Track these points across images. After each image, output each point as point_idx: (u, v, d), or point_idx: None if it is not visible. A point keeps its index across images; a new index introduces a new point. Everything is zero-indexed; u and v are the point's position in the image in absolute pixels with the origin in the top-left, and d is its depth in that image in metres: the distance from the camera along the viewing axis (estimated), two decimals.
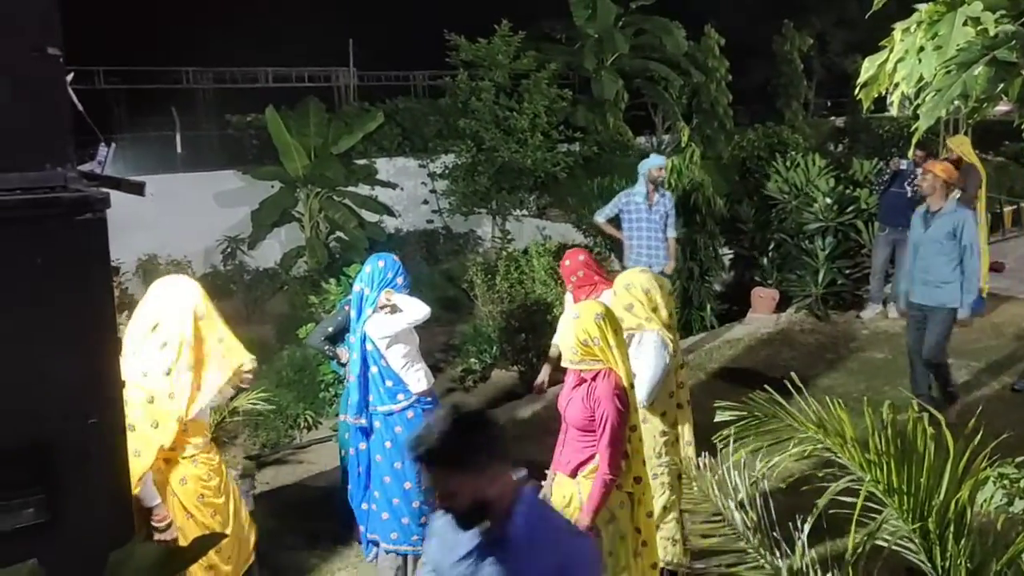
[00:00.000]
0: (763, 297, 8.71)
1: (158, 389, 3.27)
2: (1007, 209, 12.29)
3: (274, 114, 9.73)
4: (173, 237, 9.52)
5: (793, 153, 9.48)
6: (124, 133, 9.89)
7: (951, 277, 5.86)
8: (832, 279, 8.83)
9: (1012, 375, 7.15)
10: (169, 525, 3.35)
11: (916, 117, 2.73)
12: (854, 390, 6.83)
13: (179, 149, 11.23)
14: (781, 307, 8.85)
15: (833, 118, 14.86)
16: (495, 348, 7.71)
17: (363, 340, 4.14)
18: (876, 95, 3.03)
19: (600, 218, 7.46)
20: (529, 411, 6.39)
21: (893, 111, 2.82)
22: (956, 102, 2.23)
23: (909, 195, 8.35)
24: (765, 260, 9.02)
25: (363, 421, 4.22)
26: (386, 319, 4.11)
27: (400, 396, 4.16)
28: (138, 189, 2.03)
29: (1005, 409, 6.56)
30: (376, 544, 4.35)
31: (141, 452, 3.26)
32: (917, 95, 2.47)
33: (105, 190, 1.96)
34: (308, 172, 9.74)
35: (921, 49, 2.71)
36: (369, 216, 10.40)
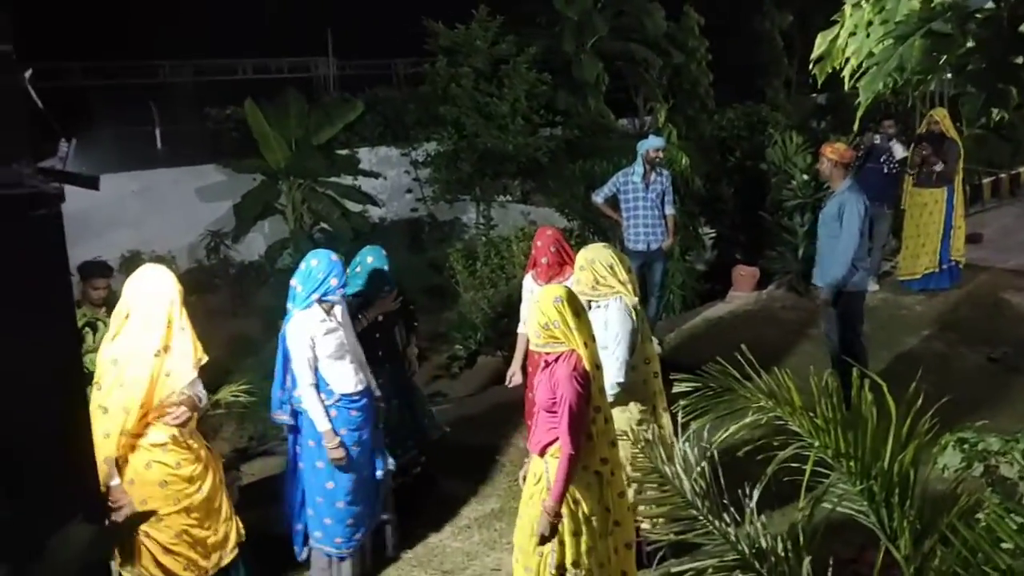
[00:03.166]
0: (744, 275, 8.79)
1: (129, 375, 3.33)
2: (986, 180, 12.37)
3: (253, 106, 9.71)
4: (156, 233, 9.53)
5: (772, 131, 9.53)
6: (103, 129, 9.86)
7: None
8: (811, 255, 8.90)
9: (988, 345, 7.25)
10: (122, 506, 3.39)
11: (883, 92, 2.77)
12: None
13: (159, 144, 11.22)
14: (762, 284, 8.93)
15: (815, 95, 14.84)
16: (479, 334, 7.77)
17: (283, 338, 4.10)
18: (830, 70, 3.07)
19: (598, 199, 7.53)
20: (514, 396, 6.47)
21: (845, 86, 2.86)
22: (893, 75, 2.27)
23: (885, 171, 8.43)
24: (745, 238, 9.09)
25: (285, 417, 4.23)
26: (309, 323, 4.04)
27: (322, 395, 4.07)
28: (92, 183, 2.07)
29: (981, 378, 6.66)
30: (305, 540, 4.37)
31: (111, 434, 3.32)
32: (862, 69, 2.51)
33: (61, 186, 2.00)
34: (289, 164, 9.74)
35: (870, 23, 2.75)
36: (353, 206, 10.41)
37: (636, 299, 4.15)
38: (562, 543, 3.29)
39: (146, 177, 10.21)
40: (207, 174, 10.54)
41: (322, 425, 4.03)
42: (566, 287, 3.47)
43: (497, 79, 10.68)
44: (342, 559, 4.29)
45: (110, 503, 3.35)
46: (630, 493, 3.68)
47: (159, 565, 3.57)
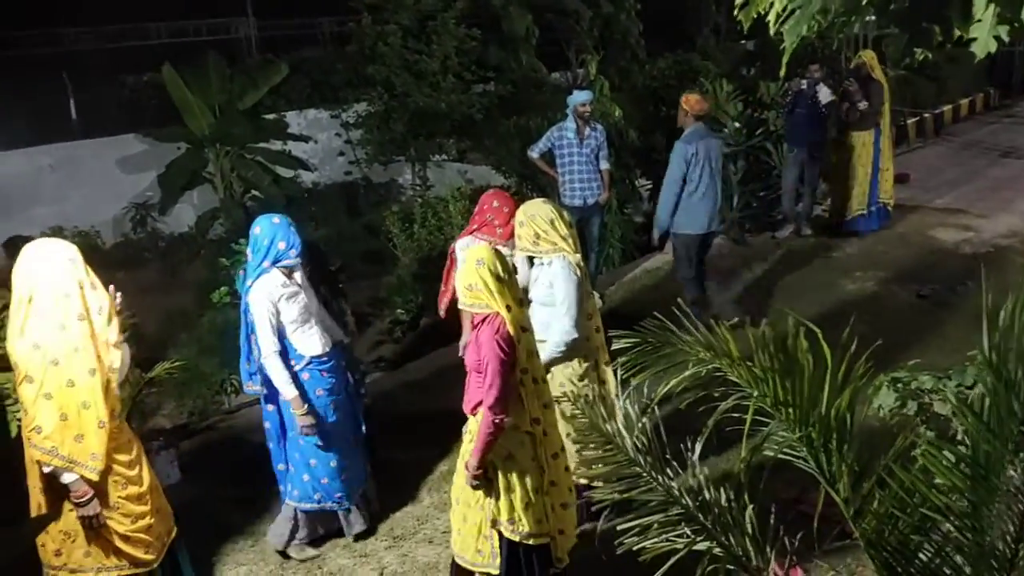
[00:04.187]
0: None
1: (58, 350, 3.15)
2: (911, 121, 12.66)
3: (172, 72, 9.32)
4: (78, 208, 9.16)
5: (702, 80, 9.55)
6: (11, 103, 9.37)
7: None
8: (746, 202, 9.02)
9: (918, 282, 7.46)
10: (91, 499, 3.31)
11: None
12: (769, 309, 7.05)
13: (74, 115, 10.73)
14: None
15: (744, 42, 14.91)
16: (420, 297, 7.69)
17: (246, 310, 4.04)
18: (755, 16, 3.04)
19: (534, 153, 7.51)
20: (457, 359, 6.43)
21: (771, 30, 2.83)
22: (816, 18, 2.25)
23: (813, 115, 8.53)
24: None
25: (257, 388, 4.18)
26: (270, 289, 3.99)
27: (292, 361, 4.07)
28: None
29: (912, 316, 6.86)
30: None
31: (68, 415, 3.18)
32: (786, 13, 2.48)
33: None
34: (214, 131, 9.42)
35: None
36: (284, 172, 10.14)
37: (578, 255, 4.15)
38: (498, 498, 3.39)
39: (62, 150, 9.77)
40: (128, 144, 10.13)
41: (288, 392, 4.01)
42: (491, 248, 3.45)
43: (425, 36, 10.43)
44: (349, 510, 4.39)
45: (73, 499, 3.27)
46: (572, 451, 3.72)
47: (120, 553, 3.49)
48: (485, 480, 3.38)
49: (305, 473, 4.25)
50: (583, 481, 3.86)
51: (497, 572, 3.53)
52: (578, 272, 4.11)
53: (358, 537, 4.50)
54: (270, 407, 4.23)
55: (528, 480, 3.37)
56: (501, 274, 3.27)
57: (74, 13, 10.88)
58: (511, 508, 3.38)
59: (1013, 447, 2.21)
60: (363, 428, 4.58)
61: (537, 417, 3.32)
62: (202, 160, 9.65)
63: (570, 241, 4.13)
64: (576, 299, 4.06)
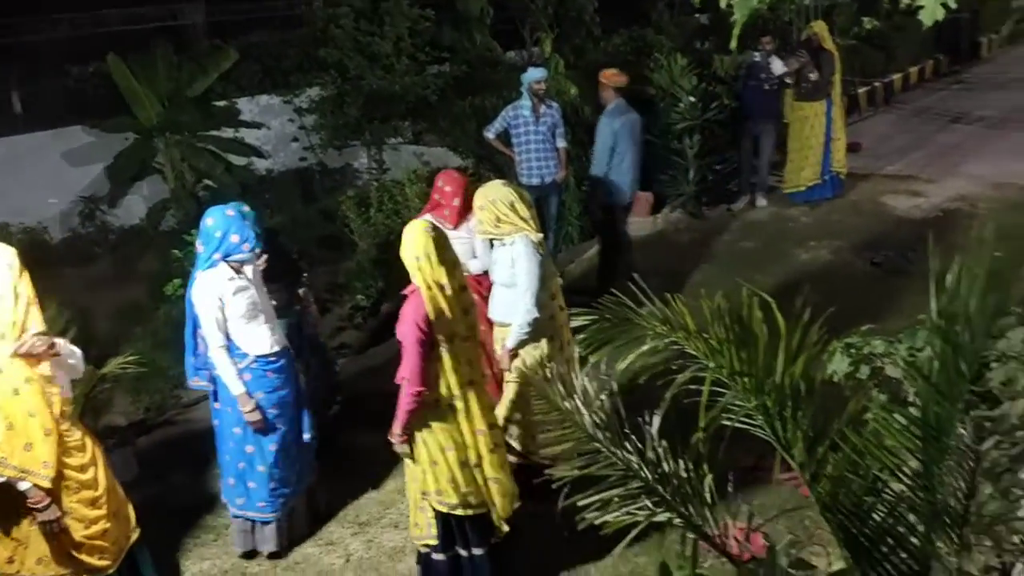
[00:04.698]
0: (638, 200, 8.87)
1: (1, 358, 3.08)
2: (861, 90, 12.81)
3: (117, 61, 9.06)
4: (23, 203, 8.91)
5: (657, 55, 9.55)
6: None
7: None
8: (703, 176, 9.08)
9: (872, 250, 7.59)
10: (49, 505, 3.24)
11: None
12: (727, 281, 7.11)
13: (18, 108, 10.41)
14: (657, 208, 9.06)
15: (698, 16, 14.93)
16: (380, 282, 7.63)
17: (189, 302, 3.96)
18: None
19: (490, 134, 7.49)
20: None
21: (722, 4, 2.84)
22: None
23: (766, 87, 8.59)
24: None
25: (203, 383, 4.10)
26: (216, 282, 3.90)
27: (235, 359, 3.96)
28: None
29: (866, 283, 6.98)
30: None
31: (15, 424, 3.11)
32: None
33: None
34: (163, 120, 9.19)
35: None
36: (237, 160, 9.93)
37: (540, 235, 4.16)
38: (424, 471, 3.55)
39: (5, 144, 9.49)
40: (74, 136, 9.84)
41: (235, 389, 3.91)
42: (425, 226, 3.45)
43: (378, 17, 10.28)
44: (265, 523, 4.20)
45: (30, 505, 3.21)
46: (515, 433, 3.83)
47: (74, 560, 3.42)
48: (412, 452, 3.57)
49: (231, 477, 4.15)
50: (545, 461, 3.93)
51: (435, 543, 3.64)
52: (541, 251, 4.12)
53: (321, 524, 4.44)
54: (217, 404, 4.14)
55: (452, 454, 3.49)
56: (419, 254, 3.34)
57: (21, 3, 10.53)
58: (435, 481, 3.53)
59: (963, 407, 2.26)
60: (307, 436, 4.35)
61: (457, 394, 3.45)
62: (151, 150, 9.42)
63: (532, 222, 4.13)
64: (538, 277, 4.06)
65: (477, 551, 3.68)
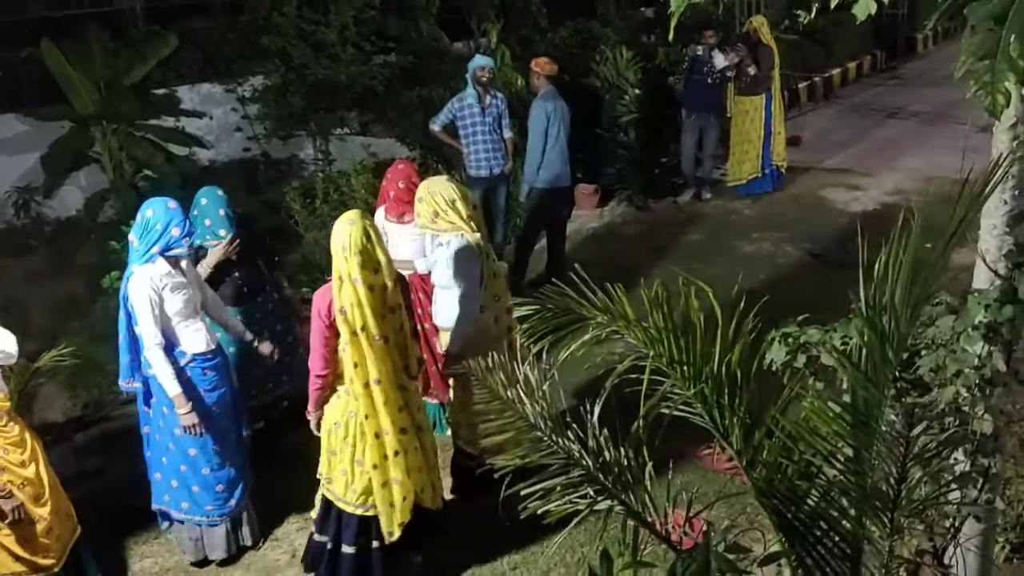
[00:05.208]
0: (585, 193, 8.95)
1: None
2: (801, 85, 13.06)
3: (51, 47, 8.77)
4: None
5: (603, 47, 9.61)
6: None
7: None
8: (649, 169, 9.17)
9: (811, 241, 7.77)
10: (10, 494, 3.17)
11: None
12: (671, 272, 7.20)
13: None
14: (604, 202, 9.13)
15: (643, 9, 15.05)
16: (326, 274, 7.53)
17: (125, 298, 3.81)
18: None
19: (435, 127, 7.45)
20: None
21: None
22: None
23: (709, 81, 8.70)
24: (584, 156, 9.21)
25: (136, 384, 3.96)
26: (153, 278, 3.78)
27: (173, 358, 3.85)
28: None
29: (805, 273, 7.15)
30: (167, 516, 4.19)
31: None
32: None
33: None
34: (99, 108, 8.92)
35: None
36: (178, 150, 9.70)
37: (478, 235, 4.06)
38: (327, 457, 3.68)
39: None
40: (7, 125, 9.52)
41: (172, 389, 3.77)
42: (350, 217, 3.43)
43: (322, 5, 10.12)
44: (213, 525, 4.11)
45: None
46: (465, 435, 3.88)
47: (19, 559, 3.33)
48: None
49: (173, 479, 4.04)
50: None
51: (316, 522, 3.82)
52: (478, 252, 4.04)
53: (255, 546, 4.32)
54: (148, 410, 4.01)
55: (348, 450, 3.56)
56: (342, 243, 3.36)
57: None
58: (330, 468, 3.65)
59: (893, 393, 2.33)
60: (245, 432, 4.32)
61: (378, 379, 3.46)
62: (88, 139, 9.15)
63: (471, 223, 4.04)
64: (474, 280, 4.00)
65: (346, 548, 3.72)
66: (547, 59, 6.97)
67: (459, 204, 4.01)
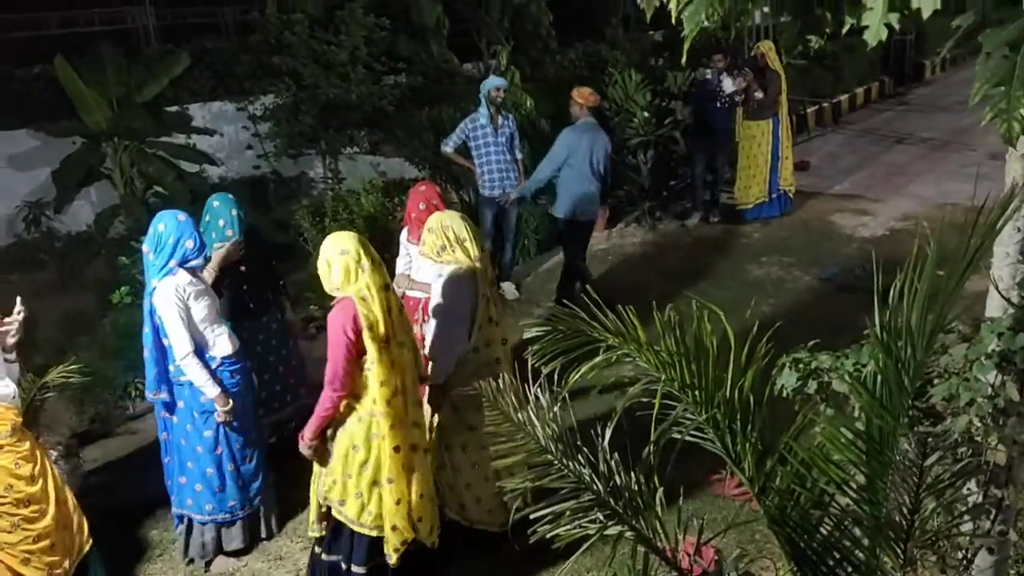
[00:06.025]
0: None
1: None
2: (810, 110, 13.08)
3: (64, 64, 8.86)
4: None
5: (612, 70, 9.66)
6: None
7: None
8: (657, 191, 9.19)
9: (820, 266, 7.74)
10: None
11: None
12: (680, 295, 7.20)
13: None
14: (612, 223, 9.14)
15: (652, 32, 15.14)
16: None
17: (152, 312, 3.88)
18: (657, 4, 3.07)
19: (448, 148, 7.43)
20: None
21: (672, 18, 2.86)
22: (714, 6, 2.29)
23: (717, 105, 8.73)
24: None
25: (163, 395, 4.02)
26: (179, 288, 3.88)
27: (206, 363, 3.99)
28: None
29: (815, 298, 7.12)
30: (181, 519, 4.27)
31: None
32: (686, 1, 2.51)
33: None
34: (111, 124, 9.00)
35: None
36: (188, 167, 9.78)
37: (474, 265, 3.94)
38: (331, 477, 3.63)
39: None
40: (19, 140, 9.62)
41: (211, 391, 3.91)
42: (353, 237, 3.50)
43: (333, 26, 10.22)
44: (233, 522, 4.23)
45: None
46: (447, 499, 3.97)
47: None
48: (321, 454, 3.63)
49: (199, 483, 4.13)
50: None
51: (325, 542, 3.76)
52: (471, 286, 3.93)
53: (269, 539, 4.43)
54: (174, 418, 4.09)
55: (368, 473, 3.53)
56: (335, 264, 3.40)
57: None
58: (344, 491, 3.60)
59: (907, 422, 2.31)
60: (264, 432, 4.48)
61: (378, 410, 3.46)
62: (99, 155, 9.22)
63: (479, 263, 3.95)
64: (462, 315, 3.93)
65: (356, 568, 3.70)
66: (590, 90, 6.78)
67: (468, 245, 3.93)
